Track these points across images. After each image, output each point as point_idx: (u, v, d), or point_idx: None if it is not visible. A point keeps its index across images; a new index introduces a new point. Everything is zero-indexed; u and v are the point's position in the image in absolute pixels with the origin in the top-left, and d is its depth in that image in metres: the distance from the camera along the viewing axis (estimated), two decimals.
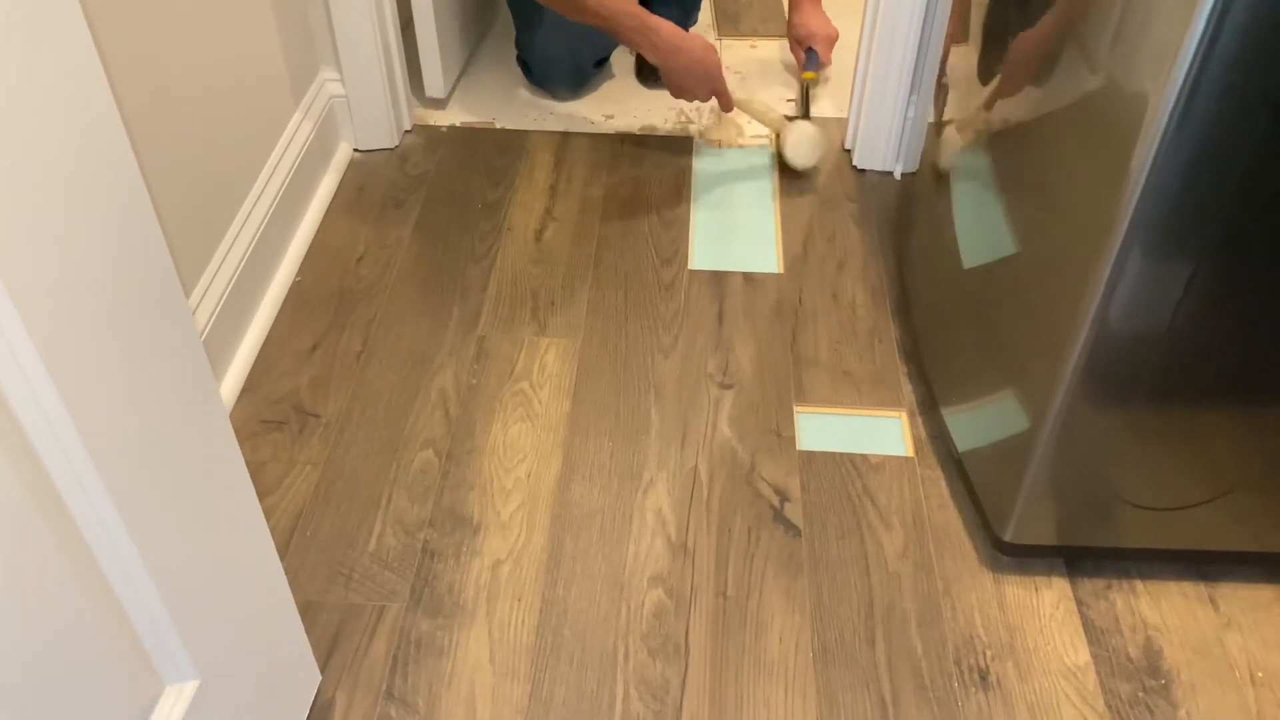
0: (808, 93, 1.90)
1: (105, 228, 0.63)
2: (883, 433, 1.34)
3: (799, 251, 1.61)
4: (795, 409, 1.35)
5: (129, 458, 0.67)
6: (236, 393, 1.37)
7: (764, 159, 1.81)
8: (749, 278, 1.56)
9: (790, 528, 1.22)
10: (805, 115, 1.86)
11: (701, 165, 1.79)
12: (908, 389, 1.39)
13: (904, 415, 1.36)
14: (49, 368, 0.58)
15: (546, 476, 1.28)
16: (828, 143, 1.77)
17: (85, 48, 0.60)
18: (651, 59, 1.69)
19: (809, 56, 1.93)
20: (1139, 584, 1.17)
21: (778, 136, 1.78)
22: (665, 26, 1.66)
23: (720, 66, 1.71)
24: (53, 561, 0.63)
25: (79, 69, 0.60)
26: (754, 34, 2.13)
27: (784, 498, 1.26)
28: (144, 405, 0.69)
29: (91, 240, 0.62)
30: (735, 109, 1.78)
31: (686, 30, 1.95)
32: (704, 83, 1.71)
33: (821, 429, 1.34)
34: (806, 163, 1.75)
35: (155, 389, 0.70)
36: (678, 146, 1.83)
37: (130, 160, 0.65)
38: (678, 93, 1.73)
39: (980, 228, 1.21)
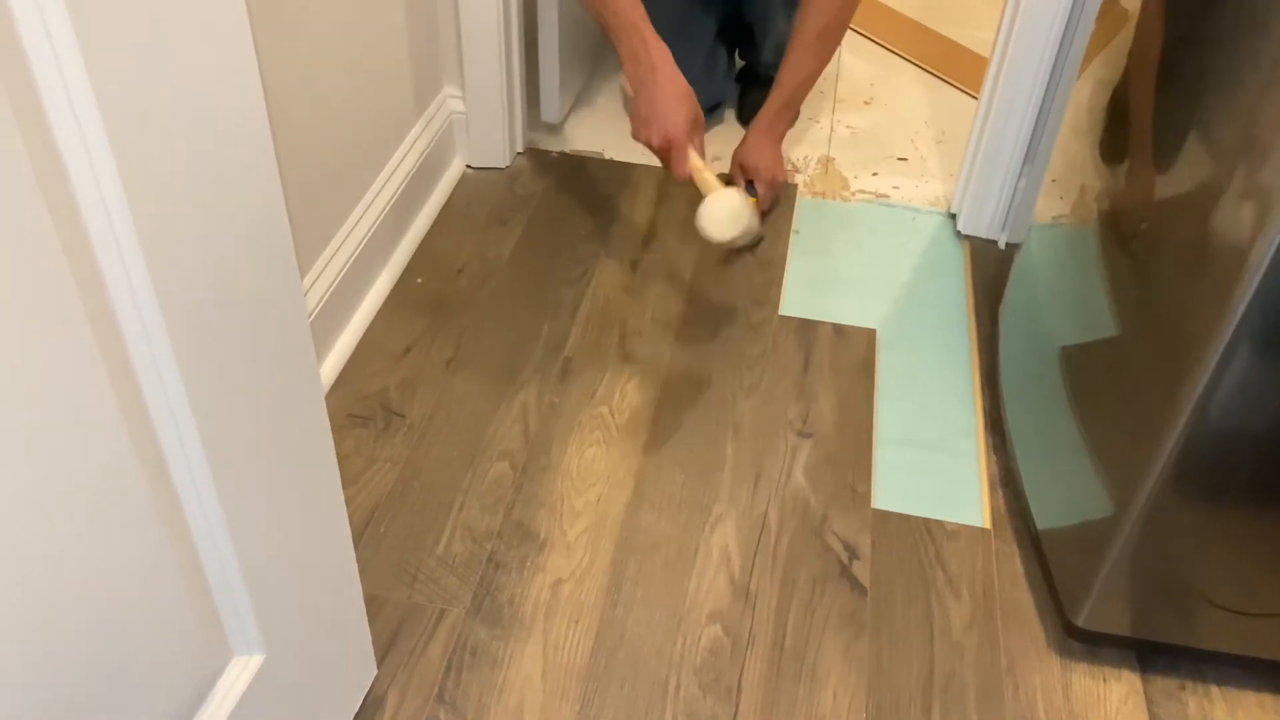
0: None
1: (239, 211, 0.67)
2: (960, 499, 1.31)
3: (894, 309, 1.61)
4: (873, 449, 1.34)
5: (231, 428, 0.70)
6: (330, 384, 1.41)
7: (866, 214, 1.81)
8: (839, 329, 1.56)
9: (856, 585, 1.21)
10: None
11: (803, 213, 1.80)
12: (991, 460, 1.37)
13: (984, 486, 1.33)
14: (171, 333, 0.61)
15: (616, 502, 1.29)
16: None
17: (245, 48, 0.63)
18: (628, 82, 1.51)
19: (748, 190, 1.73)
20: (1214, 689, 1.13)
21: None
22: (650, 58, 1.45)
23: (684, 127, 1.44)
24: (146, 514, 0.66)
25: (237, 65, 0.63)
26: None
27: (853, 554, 1.24)
28: (252, 381, 0.72)
29: (225, 222, 0.65)
30: (688, 177, 1.46)
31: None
32: (656, 131, 1.45)
33: (898, 488, 1.32)
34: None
35: (264, 367, 0.73)
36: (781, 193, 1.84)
37: (269, 150, 0.69)
38: (635, 125, 1.50)
39: (1082, 305, 1.19)
